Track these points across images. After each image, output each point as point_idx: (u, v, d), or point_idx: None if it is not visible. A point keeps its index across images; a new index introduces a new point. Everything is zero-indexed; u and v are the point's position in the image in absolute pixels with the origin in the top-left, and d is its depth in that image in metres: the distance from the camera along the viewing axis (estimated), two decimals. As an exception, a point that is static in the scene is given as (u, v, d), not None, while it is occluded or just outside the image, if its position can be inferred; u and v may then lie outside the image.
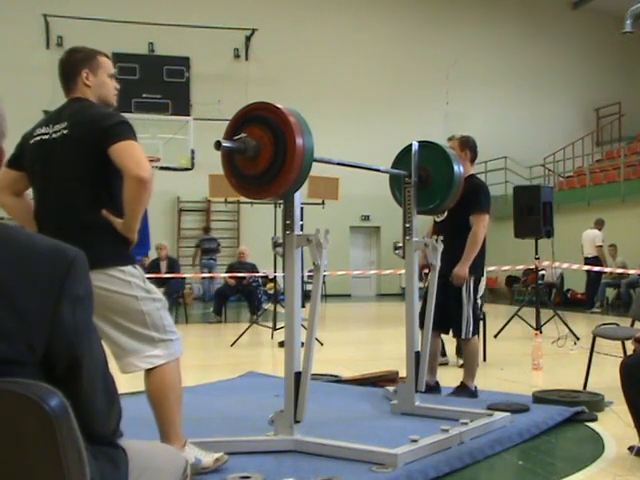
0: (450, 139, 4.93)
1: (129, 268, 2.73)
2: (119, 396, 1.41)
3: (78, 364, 1.25)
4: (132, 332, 2.71)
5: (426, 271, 4.94)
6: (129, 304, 2.70)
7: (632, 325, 5.22)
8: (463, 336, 4.73)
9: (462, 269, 4.65)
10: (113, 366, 1.73)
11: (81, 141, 2.71)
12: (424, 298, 4.62)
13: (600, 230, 13.23)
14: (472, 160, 4.95)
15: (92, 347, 1.29)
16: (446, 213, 4.73)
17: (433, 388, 4.80)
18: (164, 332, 2.78)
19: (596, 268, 11.89)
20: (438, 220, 4.86)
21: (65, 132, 2.74)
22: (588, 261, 12.81)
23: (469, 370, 4.81)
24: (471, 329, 4.73)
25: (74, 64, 2.86)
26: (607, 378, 4.68)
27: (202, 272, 15.30)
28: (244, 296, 11.28)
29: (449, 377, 5.18)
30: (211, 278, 15.47)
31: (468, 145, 4.91)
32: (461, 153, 4.79)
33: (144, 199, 2.65)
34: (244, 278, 11.05)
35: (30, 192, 2.90)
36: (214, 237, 16.49)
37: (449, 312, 4.73)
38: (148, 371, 2.77)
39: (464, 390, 4.75)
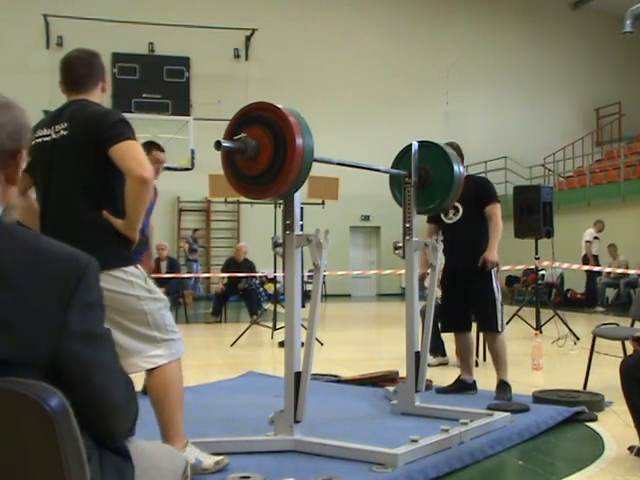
0: None
1: (131, 268, 2.73)
2: (136, 396, 1.41)
3: (86, 368, 1.25)
4: (134, 332, 2.71)
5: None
6: (131, 304, 2.70)
7: (632, 325, 5.21)
8: (500, 329, 4.79)
9: (492, 254, 4.78)
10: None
11: (81, 141, 2.71)
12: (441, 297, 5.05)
13: (598, 231, 13.28)
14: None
15: (103, 351, 1.30)
16: (460, 214, 4.82)
17: (470, 387, 4.91)
18: (166, 332, 2.79)
19: (597, 268, 11.91)
20: (450, 221, 4.89)
21: (65, 133, 2.74)
22: (584, 260, 12.93)
23: (504, 365, 4.83)
24: (504, 321, 4.85)
25: (100, 68, 2.91)
26: (607, 378, 4.68)
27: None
28: (243, 298, 11.23)
29: (449, 377, 5.18)
30: (207, 278, 15.62)
31: (454, 148, 4.95)
32: None
33: (146, 199, 2.66)
34: (240, 281, 10.97)
35: (33, 192, 2.90)
36: (184, 237, 17.18)
37: (479, 308, 4.85)
38: (150, 371, 2.77)
39: (504, 386, 4.76)
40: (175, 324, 2.89)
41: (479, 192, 4.87)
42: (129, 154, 2.63)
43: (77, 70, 2.86)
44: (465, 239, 4.79)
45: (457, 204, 4.79)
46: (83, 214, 2.71)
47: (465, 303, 4.89)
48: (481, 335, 6.32)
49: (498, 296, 4.82)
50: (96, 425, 1.26)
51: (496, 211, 4.90)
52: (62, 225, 2.70)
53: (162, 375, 2.77)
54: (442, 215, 4.88)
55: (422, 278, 4.99)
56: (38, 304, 1.19)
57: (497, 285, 4.84)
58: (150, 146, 4.57)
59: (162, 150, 4.62)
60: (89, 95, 2.85)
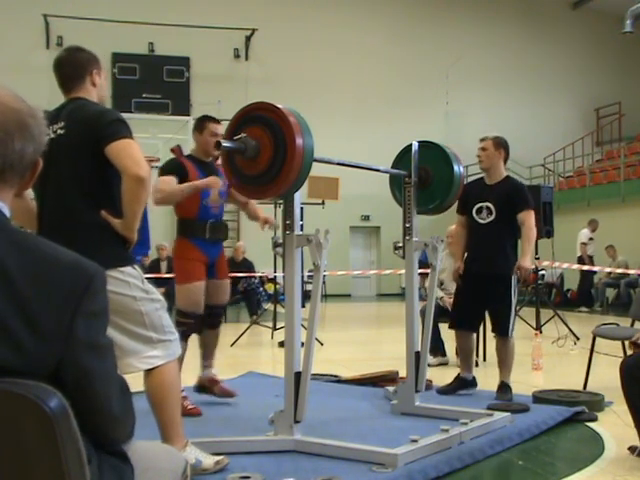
0: (483, 139, 4.97)
1: (128, 269, 2.72)
2: (132, 403, 1.41)
3: (89, 377, 1.24)
4: (131, 333, 2.69)
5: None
6: (128, 305, 2.68)
7: (632, 325, 5.21)
8: (509, 334, 4.78)
9: (526, 261, 4.75)
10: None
11: (77, 140, 2.70)
12: (456, 297, 5.04)
13: (592, 230, 13.32)
14: (505, 160, 5.05)
15: (106, 361, 1.29)
16: (493, 216, 4.79)
17: (470, 383, 4.93)
18: (163, 332, 2.77)
19: (596, 268, 11.91)
20: (482, 221, 4.84)
21: (62, 132, 2.73)
22: (579, 261, 12.98)
23: (508, 368, 4.84)
24: (514, 327, 4.84)
25: (84, 63, 2.86)
26: (607, 378, 4.68)
27: None
28: (243, 298, 11.22)
29: (449, 377, 5.18)
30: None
31: (502, 145, 4.97)
32: (495, 152, 4.92)
33: (143, 198, 2.64)
34: (239, 281, 10.97)
35: (30, 192, 2.89)
36: None
37: (497, 311, 4.83)
38: (147, 372, 2.76)
39: (505, 388, 4.77)
40: (172, 325, 2.87)
41: (513, 197, 4.82)
42: (125, 152, 2.62)
43: (62, 70, 2.86)
44: (495, 242, 4.78)
45: (491, 205, 4.79)
46: (81, 214, 2.70)
47: (481, 304, 4.88)
48: (481, 335, 6.35)
49: (514, 302, 4.83)
50: (95, 432, 1.26)
51: (529, 218, 4.82)
52: (60, 225, 2.69)
53: (160, 376, 2.76)
54: (474, 214, 4.85)
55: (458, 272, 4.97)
56: (43, 312, 1.18)
57: (515, 291, 4.83)
58: (204, 120, 4.38)
59: (217, 122, 4.38)
60: (81, 92, 2.84)
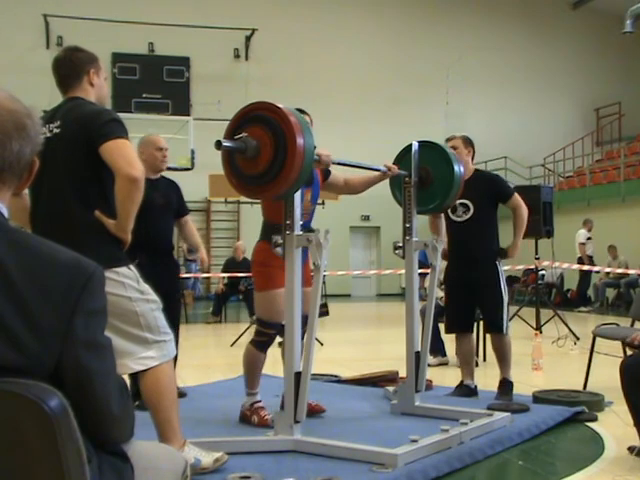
0: (450, 139, 4.91)
1: (123, 269, 2.70)
2: (131, 402, 1.41)
3: (88, 376, 1.24)
4: (126, 333, 2.67)
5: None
6: (123, 305, 2.67)
7: (632, 325, 5.21)
8: (504, 331, 4.75)
9: (516, 248, 4.80)
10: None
11: (73, 140, 2.69)
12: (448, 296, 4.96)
13: (588, 230, 13.33)
14: (472, 158, 4.99)
15: (105, 360, 1.29)
16: (471, 212, 4.74)
17: (474, 392, 4.82)
18: (158, 333, 2.76)
19: (596, 268, 11.92)
20: (458, 219, 4.79)
21: (57, 131, 2.73)
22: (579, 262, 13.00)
23: (507, 364, 4.80)
24: (508, 323, 4.81)
25: (81, 63, 2.85)
26: (607, 378, 4.67)
27: None
28: (243, 299, 11.23)
29: (449, 377, 5.18)
30: (207, 278, 15.63)
31: (470, 143, 4.94)
32: (465, 150, 4.85)
33: (136, 198, 2.62)
34: (239, 282, 10.98)
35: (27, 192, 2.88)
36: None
37: (488, 308, 4.81)
38: (142, 373, 2.75)
39: (507, 385, 4.75)
40: (167, 325, 2.85)
41: (493, 190, 4.79)
42: (118, 152, 2.60)
43: (60, 70, 2.86)
44: (476, 239, 4.73)
45: (467, 202, 4.72)
46: (76, 213, 2.69)
47: (471, 303, 4.85)
48: (481, 335, 6.35)
49: (505, 298, 4.78)
50: (95, 431, 1.26)
51: (519, 202, 4.81)
52: (53, 225, 2.68)
53: (155, 376, 2.75)
54: (450, 212, 4.78)
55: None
56: (43, 311, 1.18)
57: (505, 286, 4.80)
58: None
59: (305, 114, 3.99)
60: (79, 92, 2.83)
